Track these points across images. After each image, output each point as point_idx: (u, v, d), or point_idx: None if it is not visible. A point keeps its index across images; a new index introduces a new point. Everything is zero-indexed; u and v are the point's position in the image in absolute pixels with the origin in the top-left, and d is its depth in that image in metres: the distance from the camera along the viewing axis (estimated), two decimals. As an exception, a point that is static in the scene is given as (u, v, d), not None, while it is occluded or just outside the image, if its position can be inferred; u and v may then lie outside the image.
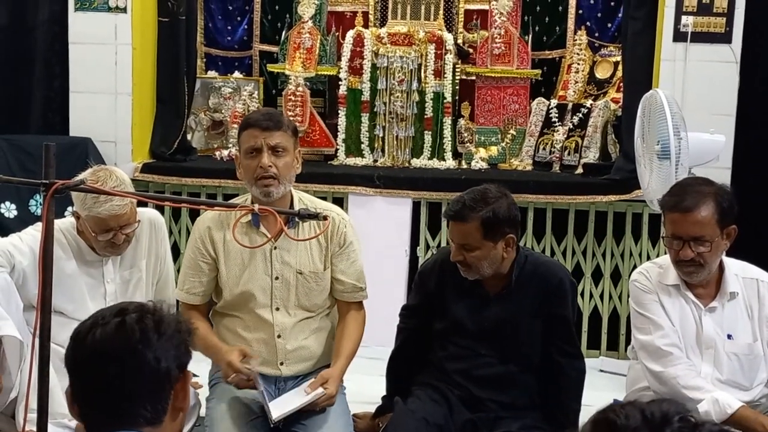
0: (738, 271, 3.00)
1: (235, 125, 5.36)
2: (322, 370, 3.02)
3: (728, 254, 3.02)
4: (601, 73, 5.34)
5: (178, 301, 3.24)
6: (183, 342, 1.68)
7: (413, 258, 4.82)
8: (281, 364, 3.08)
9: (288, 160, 2.99)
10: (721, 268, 2.97)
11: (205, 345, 3.01)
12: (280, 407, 2.91)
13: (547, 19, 5.55)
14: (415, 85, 5.09)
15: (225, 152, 5.26)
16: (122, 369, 1.62)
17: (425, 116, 5.10)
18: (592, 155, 5.01)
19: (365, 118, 5.15)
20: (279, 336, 3.05)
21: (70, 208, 3.15)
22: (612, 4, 5.45)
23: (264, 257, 3.04)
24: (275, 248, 3.04)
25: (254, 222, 3.04)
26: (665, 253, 3.09)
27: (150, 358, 1.62)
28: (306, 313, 3.10)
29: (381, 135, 5.15)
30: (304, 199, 3.12)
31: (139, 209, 3.13)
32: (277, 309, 3.07)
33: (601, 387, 4.04)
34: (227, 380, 2.91)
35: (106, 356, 1.62)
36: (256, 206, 2.82)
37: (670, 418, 1.15)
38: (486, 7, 5.36)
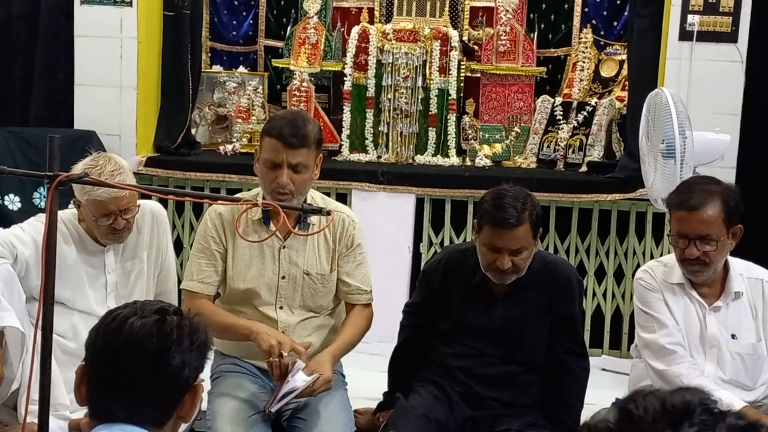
0: (743, 270, 2.99)
1: (240, 120, 5.36)
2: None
3: (733, 254, 3.00)
4: (607, 71, 5.33)
5: (179, 296, 3.23)
6: (206, 355, 1.72)
7: (416, 254, 4.81)
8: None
9: (307, 177, 2.92)
10: (726, 267, 2.96)
11: (223, 325, 2.92)
12: (277, 400, 2.85)
13: (552, 16, 5.53)
14: (419, 81, 5.08)
15: (229, 147, 5.24)
16: (151, 364, 1.64)
17: (429, 113, 5.09)
18: (596, 153, 5.00)
19: (370, 114, 5.14)
20: (283, 332, 3.03)
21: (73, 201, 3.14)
22: (618, 2, 5.42)
23: (273, 256, 3.03)
24: (284, 247, 3.03)
25: (264, 220, 3.03)
26: (669, 252, 3.08)
27: (178, 361, 1.65)
28: (309, 313, 3.09)
29: (385, 131, 5.14)
30: (316, 198, 3.10)
31: (142, 201, 3.12)
32: (281, 308, 3.06)
33: (603, 386, 4.01)
34: (269, 358, 2.82)
35: (141, 348, 1.64)
36: (260, 200, 2.80)
37: (692, 410, 1.08)
38: (492, 4, 5.34)
